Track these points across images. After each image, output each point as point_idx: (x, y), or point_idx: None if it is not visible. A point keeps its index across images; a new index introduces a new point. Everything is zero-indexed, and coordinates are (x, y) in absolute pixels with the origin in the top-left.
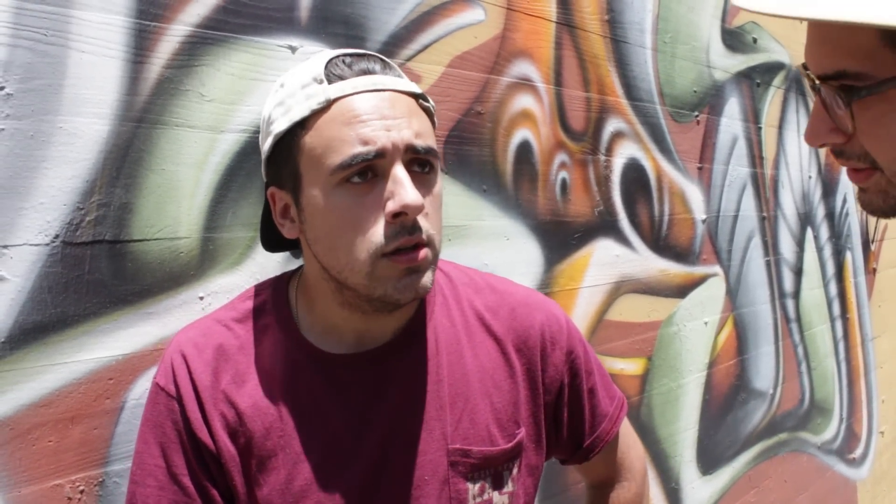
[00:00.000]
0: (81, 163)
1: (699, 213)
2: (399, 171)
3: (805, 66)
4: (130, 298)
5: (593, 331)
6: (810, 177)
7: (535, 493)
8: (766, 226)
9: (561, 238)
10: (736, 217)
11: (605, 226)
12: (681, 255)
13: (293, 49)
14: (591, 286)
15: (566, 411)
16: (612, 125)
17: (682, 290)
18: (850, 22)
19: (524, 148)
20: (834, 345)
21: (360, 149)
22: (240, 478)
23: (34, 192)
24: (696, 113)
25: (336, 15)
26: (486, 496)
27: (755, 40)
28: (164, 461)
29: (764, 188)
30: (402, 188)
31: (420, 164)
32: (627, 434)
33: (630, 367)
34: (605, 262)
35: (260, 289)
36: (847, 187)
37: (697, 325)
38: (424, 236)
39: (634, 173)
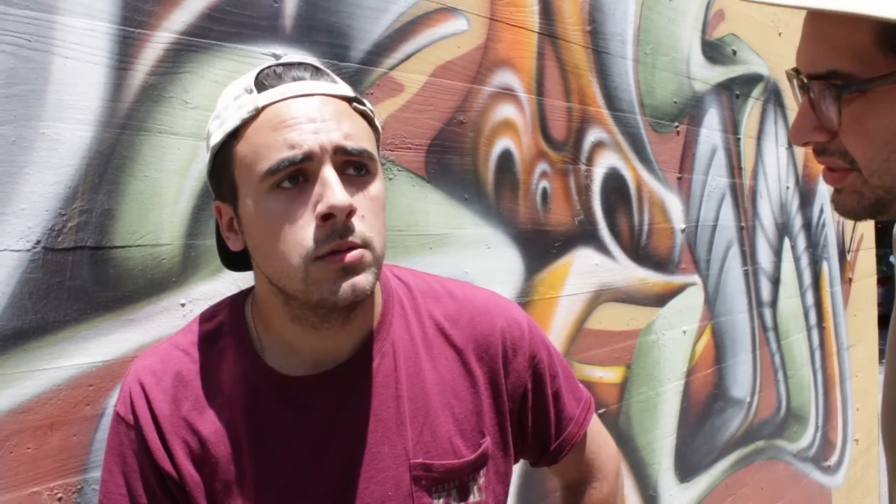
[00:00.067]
0: (64, 169)
1: (678, 222)
2: (327, 173)
3: (795, 70)
4: (112, 305)
5: (573, 339)
6: (788, 187)
7: (506, 498)
8: (745, 236)
9: (541, 247)
10: (715, 227)
11: (586, 235)
12: (660, 264)
13: (277, 57)
14: (571, 295)
15: (531, 416)
16: (592, 135)
17: (661, 298)
18: (846, 12)
19: (505, 157)
20: (810, 353)
21: (287, 153)
22: (205, 503)
23: (15, 197)
24: (676, 123)
25: (320, 24)
26: None
27: (735, 52)
28: (127, 490)
29: (742, 198)
30: (329, 189)
31: (355, 166)
32: (597, 434)
33: (609, 375)
34: (584, 270)
35: (216, 309)
36: (824, 198)
37: (676, 333)
38: (359, 239)
39: (615, 183)
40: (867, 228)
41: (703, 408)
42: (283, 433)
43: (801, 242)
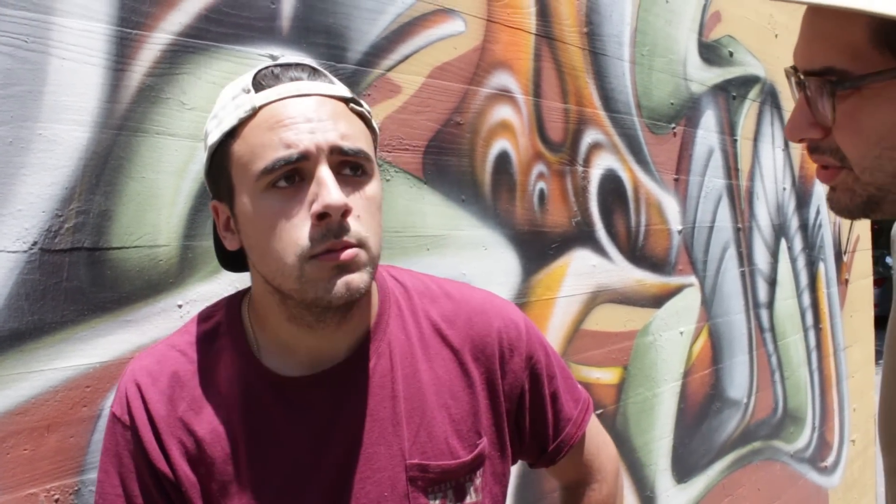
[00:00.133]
0: (61, 170)
1: (675, 223)
2: (323, 173)
3: (794, 68)
4: (109, 306)
5: (570, 340)
6: (784, 188)
7: (504, 499)
8: (741, 237)
9: (538, 248)
10: (711, 228)
11: (583, 236)
12: (657, 265)
13: (274, 58)
14: (568, 296)
15: (528, 417)
16: (589, 136)
17: (657, 300)
18: (842, 8)
19: (503, 158)
20: (807, 354)
21: (282, 152)
22: None
23: (12, 198)
24: (673, 125)
25: (317, 25)
26: None
27: (731, 54)
28: (123, 491)
29: (739, 199)
30: (324, 189)
31: (351, 167)
32: (596, 435)
33: (606, 376)
34: (581, 272)
35: (213, 310)
36: (820, 199)
37: (673, 334)
38: (354, 238)
39: (611, 184)
40: (864, 230)
41: (700, 409)
42: (279, 433)
43: (798, 244)
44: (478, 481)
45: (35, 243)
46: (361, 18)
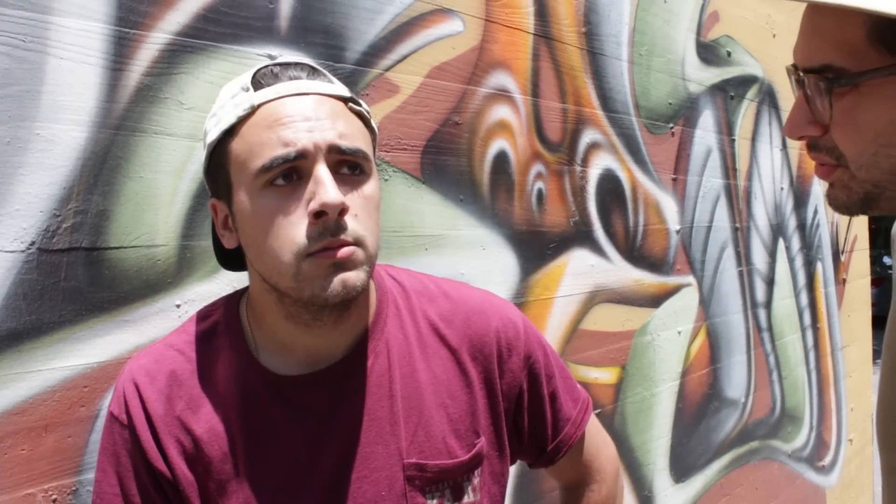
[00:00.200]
0: (59, 169)
1: (673, 223)
2: (321, 171)
3: (794, 66)
4: (107, 306)
5: (568, 340)
6: (782, 188)
7: (502, 499)
8: (739, 236)
9: (537, 248)
10: (709, 228)
11: (581, 236)
12: (655, 265)
13: (272, 58)
14: (567, 296)
15: (527, 417)
16: (588, 136)
17: (655, 299)
18: (840, 5)
19: (501, 158)
20: (805, 354)
21: (280, 151)
22: (198, 502)
23: (10, 198)
24: (671, 125)
25: (315, 25)
26: None
27: (729, 54)
28: (120, 490)
29: (737, 199)
30: (322, 187)
31: (350, 166)
32: (596, 435)
33: (604, 376)
34: (580, 271)
35: (211, 309)
36: (818, 199)
37: (671, 334)
38: (351, 237)
39: (610, 184)
40: (861, 229)
41: (697, 408)
42: (276, 432)
43: (796, 243)
44: (476, 481)
45: (33, 243)
46: (360, 18)
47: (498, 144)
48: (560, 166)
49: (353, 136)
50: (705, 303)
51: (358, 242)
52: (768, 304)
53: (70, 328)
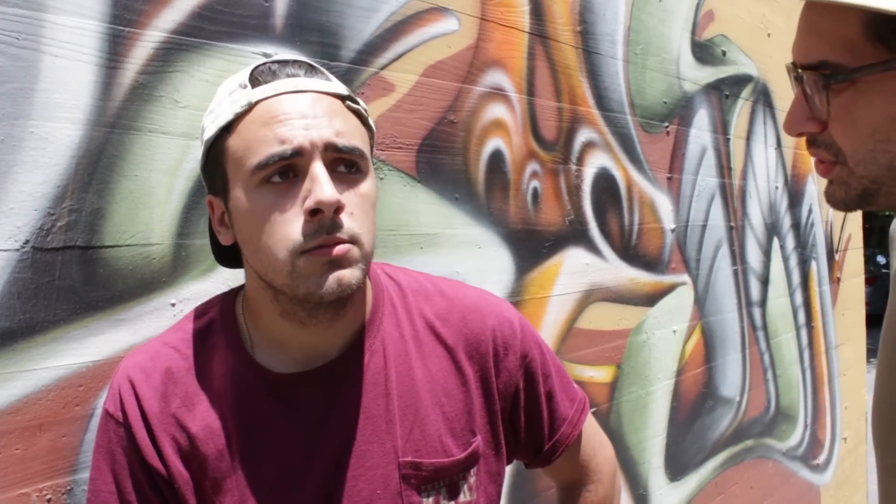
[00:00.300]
0: (53, 168)
1: (668, 222)
2: (317, 169)
3: (793, 64)
4: (101, 305)
5: (563, 339)
6: (777, 187)
7: (498, 499)
8: (734, 235)
9: (532, 247)
10: (704, 227)
11: (576, 235)
12: (650, 263)
13: (268, 56)
14: (562, 294)
15: (523, 416)
16: (583, 135)
17: (651, 298)
18: (837, 2)
19: (496, 157)
20: (799, 353)
21: (277, 148)
22: (194, 500)
23: (4, 196)
24: (666, 124)
25: (311, 23)
26: None
27: (724, 53)
28: (116, 488)
29: (732, 198)
30: (317, 185)
31: (346, 164)
32: (593, 435)
33: (599, 374)
34: (575, 270)
35: (207, 307)
36: (813, 198)
37: (666, 333)
38: (346, 235)
39: (605, 183)
40: (855, 228)
41: (692, 407)
42: (272, 430)
43: (790, 242)
44: (472, 480)
45: (27, 242)
46: (355, 16)
47: (493, 143)
48: (555, 165)
49: (350, 135)
50: (700, 301)
51: (353, 240)
52: (763, 303)
53: (65, 327)
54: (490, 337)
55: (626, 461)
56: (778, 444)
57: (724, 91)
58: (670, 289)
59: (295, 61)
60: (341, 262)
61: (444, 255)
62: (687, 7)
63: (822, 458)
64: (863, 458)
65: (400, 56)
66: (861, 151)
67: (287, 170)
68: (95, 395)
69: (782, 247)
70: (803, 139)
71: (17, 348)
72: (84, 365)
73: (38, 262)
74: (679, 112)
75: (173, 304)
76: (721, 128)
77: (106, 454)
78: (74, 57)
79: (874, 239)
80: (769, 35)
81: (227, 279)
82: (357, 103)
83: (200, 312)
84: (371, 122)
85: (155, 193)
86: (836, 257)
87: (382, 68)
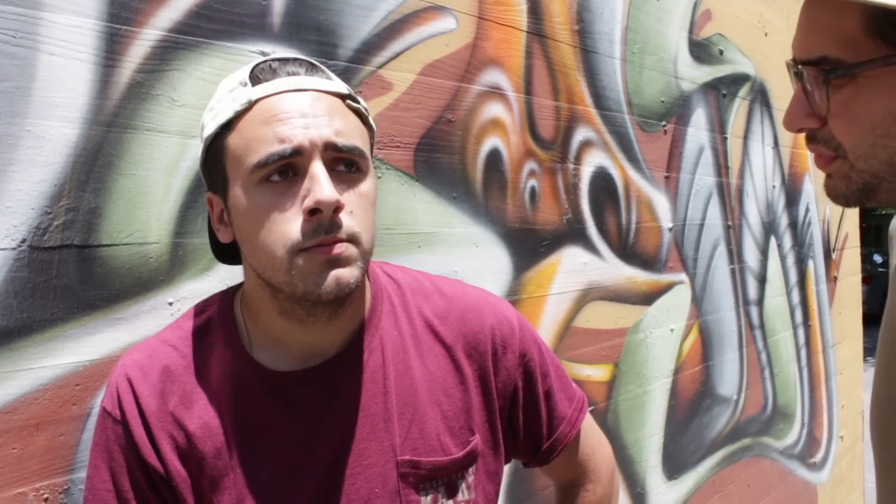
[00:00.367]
0: (50, 166)
1: (666, 221)
2: (316, 168)
3: (794, 60)
4: (98, 304)
5: (561, 337)
6: (774, 186)
7: (496, 498)
8: (731, 234)
9: (530, 245)
10: (702, 226)
11: (574, 233)
12: (647, 262)
13: (265, 55)
14: (559, 293)
15: (521, 415)
16: (580, 134)
17: (648, 297)
18: None
19: (494, 156)
20: (796, 351)
21: (276, 147)
22: (191, 499)
23: (1, 195)
24: (664, 123)
25: (308, 21)
26: None
27: (721, 52)
28: (113, 486)
29: (729, 197)
30: (317, 185)
31: (346, 163)
32: (591, 435)
33: (597, 373)
34: (572, 269)
35: (206, 305)
36: (810, 197)
37: (663, 331)
38: (345, 234)
39: (602, 182)
40: (852, 227)
41: (690, 406)
42: (270, 428)
43: (787, 241)
44: (470, 479)
45: (24, 240)
46: (353, 15)
47: (491, 142)
48: (553, 164)
49: (350, 134)
50: (697, 300)
51: (352, 239)
52: (760, 302)
53: (62, 326)
54: (489, 336)
55: (624, 460)
56: (775, 443)
57: (721, 90)
58: (668, 287)
59: (296, 59)
60: (340, 261)
61: (441, 253)
62: (684, 6)
63: (818, 457)
64: (859, 457)
65: (398, 55)
66: (861, 147)
67: (286, 169)
68: (93, 395)
69: (779, 245)
70: (801, 138)
71: (14, 347)
72: (81, 364)
73: (34, 260)
74: (676, 111)
75: (171, 303)
76: (718, 127)
77: (103, 452)
78: (71, 55)
79: (871, 238)
80: (766, 34)
81: (224, 278)
82: (357, 102)
83: (199, 310)
84: (371, 120)
85: (152, 192)
86: (833, 256)
87: (380, 67)
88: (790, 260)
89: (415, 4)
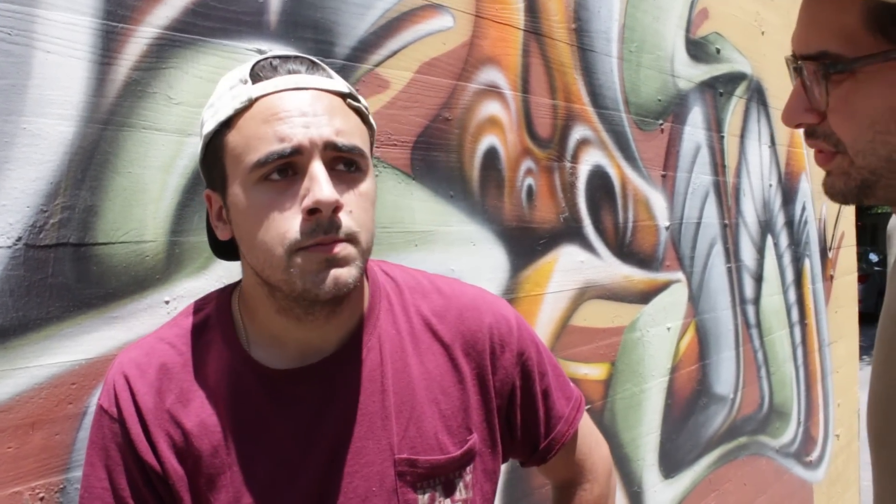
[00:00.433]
0: (45, 164)
1: (662, 220)
2: (316, 168)
3: (793, 56)
4: (95, 302)
5: (558, 336)
6: (771, 185)
7: (493, 497)
8: (728, 233)
9: (527, 244)
10: (698, 224)
11: (571, 232)
12: (644, 261)
13: (262, 53)
14: (556, 292)
15: (519, 414)
16: (577, 132)
17: (645, 295)
18: None
19: (491, 154)
20: (792, 350)
21: (276, 146)
22: (188, 497)
23: None
24: (661, 121)
25: (305, 19)
26: None
27: (718, 51)
28: (110, 484)
29: (726, 196)
30: (316, 184)
31: (345, 163)
32: (589, 434)
33: (594, 372)
34: (569, 268)
35: (204, 303)
36: (806, 196)
37: (660, 330)
38: (344, 234)
39: (599, 180)
40: (848, 226)
41: (687, 404)
42: (267, 426)
43: (784, 240)
44: (468, 478)
45: (19, 239)
46: (350, 13)
47: (488, 140)
48: (550, 162)
49: (350, 133)
50: (694, 299)
51: (351, 239)
52: (757, 301)
53: (57, 325)
54: (487, 334)
55: (621, 458)
56: (771, 442)
57: (718, 89)
58: (664, 286)
59: (296, 57)
60: (339, 261)
61: (438, 252)
62: (681, 5)
63: (814, 455)
64: (855, 455)
65: (395, 53)
66: (860, 142)
67: (286, 168)
68: (88, 393)
69: (776, 244)
70: (798, 137)
71: (10, 346)
72: (77, 363)
73: (30, 259)
74: (673, 109)
75: (167, 302)
76: (715, 125)
77: (100, 450)
78: (67, 53)
79: (867, 236)
80: (763, 33)
81: (220, 276)
82: (358, 101)
83: (196, 308)
84: (372, 119)
85: (148, 190)
86: (830, 255)
87: (377, 65)
88: (786, 258)
89: (412, 2)
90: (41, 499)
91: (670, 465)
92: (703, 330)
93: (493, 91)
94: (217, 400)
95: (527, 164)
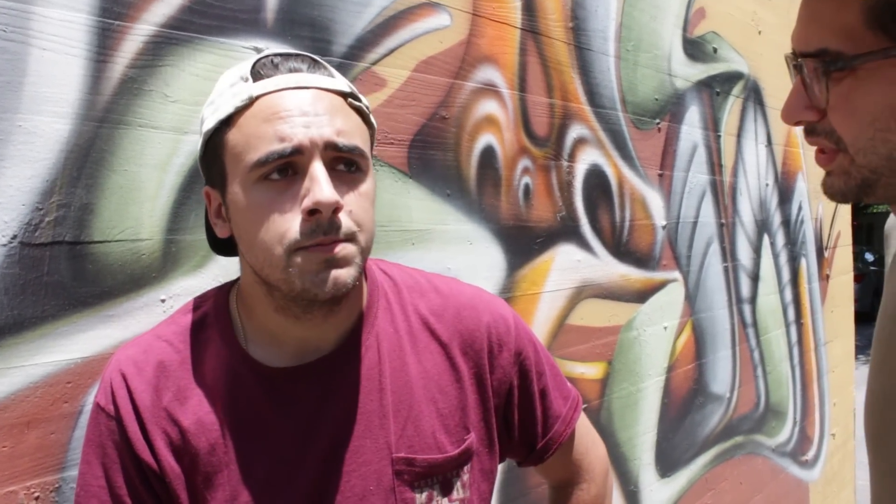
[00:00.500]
0: (41, 162)
1: (659, 219)
2: (316, 168)
3: (793, 54)
4: (90, 301)
5: (554, 335)
6: (767, 185)
7: (490, 496)
8: (725, 232)
9: (523, 243)
10: (695, 223)
11: (567, 231)
12: (641, 260)
13: (259, 51)
14: (553, 291)
15: (517, 413)
16: (574, 131)
17: (642, 295)
18: None
19: (488, 153)
20: (789, 349)
21: (276, 146)
22: (185, 495)
23: None
24: (658, 120)
25: (302, 17)
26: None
27: (715, 50)
28: (106, 482)
29: (722, 195)
30: (316, 185)
31: (346, 163)
32: (585, 434)
33: (590, 371)
34: (566, 266)
35: (201, 300)
36: (803, 195)
37: (657, 329)
38: (344, 234)
39: (596, 179)
40: (844, 225)
41: (683, 403)
42: (265, 425)
43: (780, 239)
44: (465, 477)
45: (15, 237)
46: (347, 11)
47: (485, 139)
48: (547, 161)
49: (351, 133)
50: (691, 298)
51: (351, 239)
52: (753, 300)
53: (53, 323)
54: (485, 333)
55: (617, 457)
56: (767, 441)
57: (715, 88)
58: (661, 285)
59: (298, 55)
60: (338, 261)
61: (435, 251)
62: (678, 4)
63: (810, 455)
64: (851, 455)
65: (391, 51)
66: (861, 140)
67: (286, 167)
68: (84, 392)
69: (772, 244)
70: (795, 136)
71: (5, 345)
72: (73, 361)
73: (26, 257)
74: (670, 109)
75: (163, 300)
76: (712, 125)
77: (96, 448)
78: (63, 50)
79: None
80: (760, 32)
81: (217, 275)
82: (359, 100)
83: (194, 306)
84: (373, 119)
85: (144, 188)
86: (826, 254)
87: (374, 63)
88: (783, 258)
89: (409, 1)
90: (36, 498)
91: (667, 464)
92: (700, 329)
93: (489, 89)
94: (214, 398)
95: (524, 162)
